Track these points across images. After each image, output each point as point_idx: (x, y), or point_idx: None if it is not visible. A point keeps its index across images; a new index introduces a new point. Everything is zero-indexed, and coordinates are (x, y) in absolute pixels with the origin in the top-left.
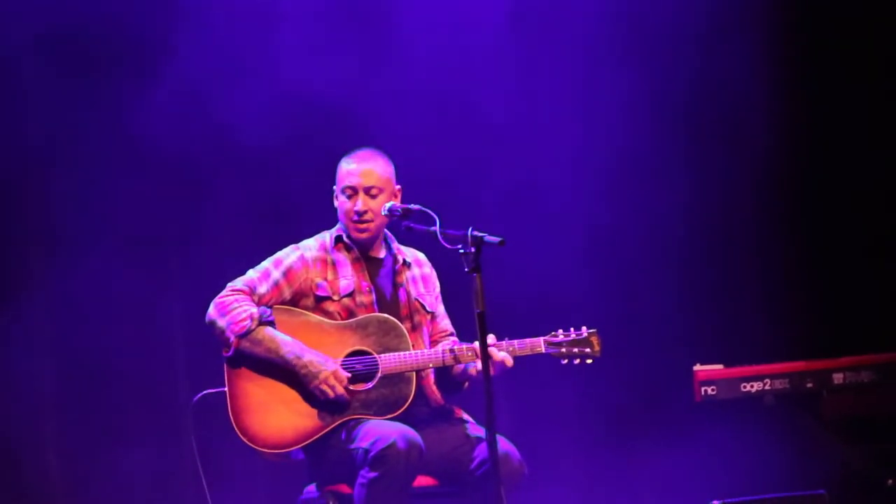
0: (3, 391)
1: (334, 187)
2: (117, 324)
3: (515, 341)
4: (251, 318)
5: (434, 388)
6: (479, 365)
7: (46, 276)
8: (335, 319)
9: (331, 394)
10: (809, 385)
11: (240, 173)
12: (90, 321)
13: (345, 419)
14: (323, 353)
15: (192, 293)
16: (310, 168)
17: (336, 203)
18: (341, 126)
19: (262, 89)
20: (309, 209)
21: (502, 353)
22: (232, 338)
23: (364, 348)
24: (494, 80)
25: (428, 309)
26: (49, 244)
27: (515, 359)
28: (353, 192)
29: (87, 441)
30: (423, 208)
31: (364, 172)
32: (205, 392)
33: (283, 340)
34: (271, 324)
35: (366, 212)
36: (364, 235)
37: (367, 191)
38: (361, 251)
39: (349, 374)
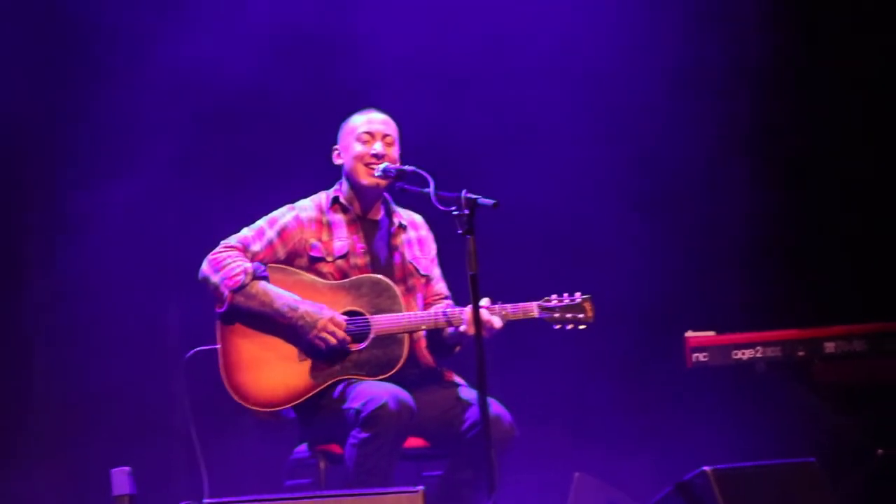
0: None
1: (336, 146)
2: (109, 281)
3: (509, 305)
4: (245, 272)
5: (425, 351)
6: (469, 327)
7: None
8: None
9: (332, 340)
10: (801, 353)
11: (234, 125)
12: (86, 280)
13: (337, 379)
14: (319, 303)
15: (187, 248)
16: (302, 128)
17: (342, 158)
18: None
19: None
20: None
21: (493, 315)
22: (226, 292)
23: (357, 309)
24: (482, 19)
25: (422, 272)
26: (48, 208)
27: (509, 323)
28: (370, 137)
29: (79, 399)
30: (418, 170)
31: (384, 121)
32: (197, 349)
33: (277, 294)
34: (265, 279)
35: (383, 155)
36: (376, 180)
37: (384, 138)
38: (358, 212)
39: (347, 318)
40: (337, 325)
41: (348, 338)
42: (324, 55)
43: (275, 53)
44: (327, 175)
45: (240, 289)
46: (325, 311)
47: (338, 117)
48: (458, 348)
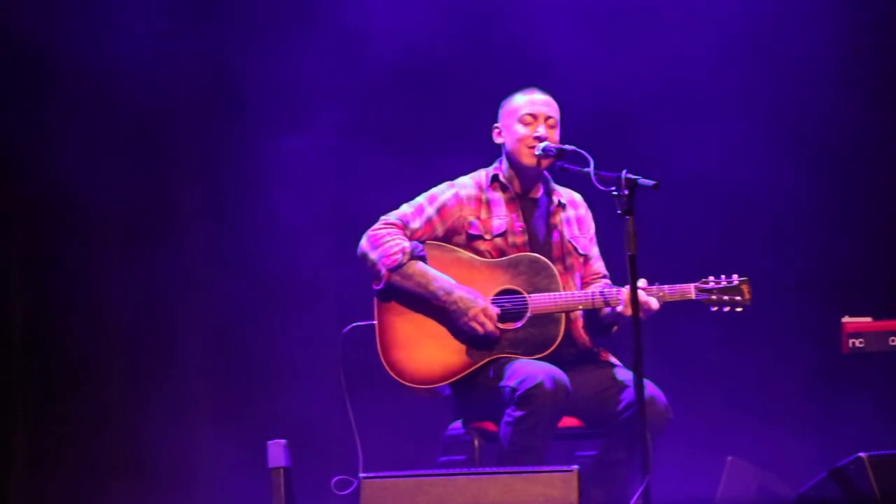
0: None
1: (497, 124)
2: (273, 252)
3: (666, 286)
4: (403, 251)
5: (582, 330)
6: (626, 308)
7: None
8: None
9: (480, 330)
10: None
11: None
12: (258, 243)
13: (493, 357)
14: (473, 290)
15: (344, 223)
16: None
17: (503, 138)
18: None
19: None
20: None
21: (650, 297)
22: (383, 271)
23: (514, 287)
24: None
25: (581, 251)
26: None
27: (666, 304)
28: (532, 118)
29: (237, 368)
30: (578, 149)
31: (547, 102)
32: (354, 325)
33: (433, 276)
34: (423, 259)
35: (545, 138)
36: (537, 161)
37: (547, 120)
38: (517, 191)
39: (499, 310)
40: (488, 316)
41: (497, 331)
42: (492, 28)
43: (442, 22)
44: (489, 149)
45: (397, 268)
46: (480, 300)
47: (502, 90)
48: (615, 328)
